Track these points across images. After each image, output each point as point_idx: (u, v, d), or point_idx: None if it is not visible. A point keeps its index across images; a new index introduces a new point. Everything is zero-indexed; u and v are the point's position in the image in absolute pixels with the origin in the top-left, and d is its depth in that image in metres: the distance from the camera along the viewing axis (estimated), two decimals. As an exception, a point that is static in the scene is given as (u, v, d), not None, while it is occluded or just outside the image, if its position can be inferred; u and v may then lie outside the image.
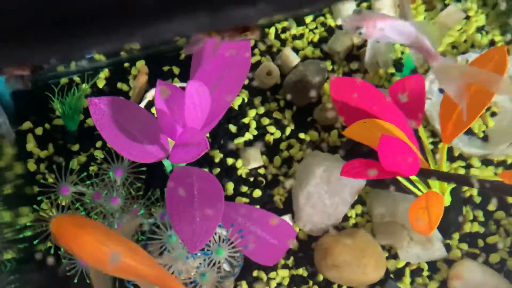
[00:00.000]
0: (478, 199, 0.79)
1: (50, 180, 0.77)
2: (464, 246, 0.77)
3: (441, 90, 0.82)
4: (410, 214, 0.65)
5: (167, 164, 0.71)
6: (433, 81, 0.82)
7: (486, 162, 0.80)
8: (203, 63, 0.67)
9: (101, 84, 0.85)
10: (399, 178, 0.74)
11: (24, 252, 0.72)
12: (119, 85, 0.85)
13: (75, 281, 0.70)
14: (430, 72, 0.83)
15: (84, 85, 0.83)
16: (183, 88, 0.60)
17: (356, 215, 0.78)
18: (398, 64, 0.85)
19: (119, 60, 0.86)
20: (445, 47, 0.86)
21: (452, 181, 0.69)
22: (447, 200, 0.76)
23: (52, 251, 0.74)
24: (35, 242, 0.72)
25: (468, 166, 0.80)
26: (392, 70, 0.85)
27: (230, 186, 0.79)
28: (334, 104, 0.75)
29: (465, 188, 0.79)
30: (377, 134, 0.65)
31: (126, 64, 0.86)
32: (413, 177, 0.72)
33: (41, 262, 0.74)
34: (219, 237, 0.67)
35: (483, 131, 0.81)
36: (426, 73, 0.83)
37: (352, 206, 0.78)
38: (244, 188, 0.79)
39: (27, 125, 0.82)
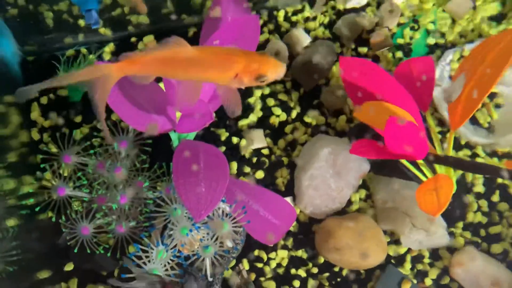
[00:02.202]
0: (482, 189, 0.78)
1: (53, 149, 0.77)
2: (468, 235, 0.76)
3: (451, 77, 0.82)
4: (417, 195, 0.64)
5: (174, 137, 0.70)
6: (444, 67, 0.82)
7: (490, 153, 0.80)
8: (210, 38, 0.66)
9: (107, 57, 0.84)
10: (405, 162, 0.74)
11: (26, 220, 0.71)
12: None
13: (75, 251, 0.70)
14: (442, 59, 0.82)
15: (90, 56, 0.82)
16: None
17: (360, 199, 0.78)
18: (407, 49, 0.85)
19: (126, 35, 0.85)
20: (454, 36, 0.86)
21: (461, 167, 0.69)
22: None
23: (53, 219, 0.73)
24: (36, 209, 0.72)
25: (474, 155, 0.80)
26: (400, 54, 0.84)
27: (234, 165, 0.79)
28: (343, 84, 0.74)
29: (469, 178, 0.79)
30: (386, 117, 0.64)
31: (133, 39, 0.85)
32: (420, 162, 0.72)
33: (42, 230, 0.74)
34: (223, 211, 0.66)
35: (488, 122, 0.81)
36: (438, 59, 0.83)
37: (356, 191, 0.78)
38: (247, 169, 0.79)
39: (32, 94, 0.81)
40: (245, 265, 0.75)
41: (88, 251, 0.70)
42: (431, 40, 0.86)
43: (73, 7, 0.81)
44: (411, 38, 0.86)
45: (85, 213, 0.70)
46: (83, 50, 0.84)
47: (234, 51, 0.57)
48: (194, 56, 0.56)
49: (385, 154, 0.66)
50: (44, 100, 0.81)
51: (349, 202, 0.77)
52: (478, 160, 0.79)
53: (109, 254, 0.71)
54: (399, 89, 0.72)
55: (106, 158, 0.70)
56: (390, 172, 0.77)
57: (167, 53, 0.56)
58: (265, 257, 0.76)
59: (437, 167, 0.72)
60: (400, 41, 0.85)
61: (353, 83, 0.74)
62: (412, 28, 0.86)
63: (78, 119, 0.81)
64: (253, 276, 0.75)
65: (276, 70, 0.57)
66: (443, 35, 0.86)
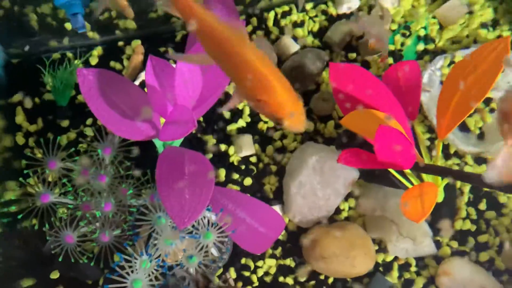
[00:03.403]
0: (470, 197, 0.78)
1: (38, 155, 0.76)
2: (454, 244, 0.76)
3: (442, 82, 0.81)
4: (402, 201, 0.64)
5: (159, 144, 0.70)
6: (433, 72, 0.81)
7: (479, 160, 0.79)
8: (197, 43, 0.66)
9: (93, 61, 0.83)
10: (392, 171, 0.73)
11: (9, 227, 0.70)
12: (112, 63, 0.83)
13: (60, 259, 0.69)
14: (432, 64, 0.81)
15: (76, 61, 0.81)
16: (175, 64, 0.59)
17: (349, 208, 0.77)
18: (398, 56, 0.84)
19: (114, 39, 0.84)
20: (443, 42, 0.85)
21: (448, 176, 0.69)
22: (440, 196, 0.75)
23: (36, 227, 0.72)
24: (19, 217, 0.71)
25: (463, 164, 0.79)
26: (390, 61, 0.84)
27: (222, 172, 0.78)
28: (332, 92, 0.73)
29: (458, 185, 0.78)
30: (374, 125, 0.64)
31: (121, 43, 0.84)
32: (407, 171, 0.71)
33: (25, 238, 0.73)
34: (208, 221, 0.66)
35: (480, 128, 0.81)
36: (427, 64, 0.82)
37: (346, 199, 0.77)
38: (236, 176, 0.78)
39: (17, 97, 0.80)
40: (232, 273, 0.74)
41: (72, 260, 0.69)
42: (421, 46, 0.85)
43: (58, 10, 0.80)
44: (402, 44, 0.85)
45: (69, 220, 0.69)
46: (69, 54, 0.83)
47: (275, 77, 0.51)
48: (240, 53, 0.50)
49: (372, 163, 0.66)
50: (28, 104, 0.80)
51: (338, 210, 0.77)
52: (467, 168, 0.79)
53: (92, 264, 0.71)
54: (388, 95, 0.72)
55: (90, 165, 0.69)
56: (379, 180, 0.77)
57: (227, 33, 0.50)
58: (252, 265, 0.75)
59: (424, 175, 0.72)
60: (391, 47, 0.85)
61: (342, 90, 0.73)
62: (403, 35, 0.86)
63: (64, 123, 0.80)
64: (240, 284, 0.74)
65: (296, 125, 0.52)
66: (433, 40, 0.86)
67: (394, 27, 0.86)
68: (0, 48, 0.80)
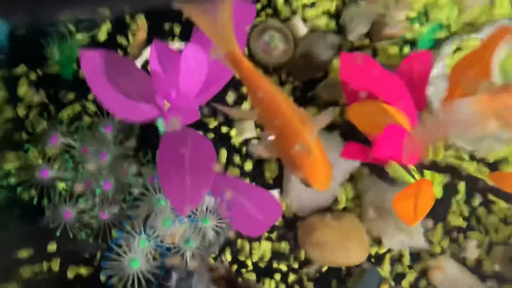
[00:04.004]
0: (464, 195, 0.78)
1: (39, 128, 0.75)
2: (445, 242, 0.77)
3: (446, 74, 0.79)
4: (395, 201, 0.64)
5: (161, 125, 0.69)
6: (441, 62, 0.79)
7: (472, 157, 0.79)
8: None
9: (101, 36, 0.82)
10: (393, 164, 0.73)
11: (8, 199, 0.71)
12: (119, 39, 0.82)
13: (58, 234, 0.70)
14: (439, 53, 0.79)
15: (82, 35, 0.80)
16: (181, 51, 0.58)
17: (347, 199, 0.77)
18: (414, 44, 0.82)
19: (122, 14, 0.83)
20: (460, 26, 0.83)
21: (447, 174, 0.69)
22: (438, 192, 0.75)
23: (35, 201, 0.73)
24: (19, 189, 0.71)
25: (458, 158, 0.79)
26: (407, 50, 0.82)
27: (224, 153, 0.78)
28: (341, 82, 0.72)
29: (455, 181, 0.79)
30: (380, 119, 0.63)
31: (128, 18, 0.83)
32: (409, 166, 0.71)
33: (24, 211, 0.74)
34: (207, 206, 0.66)
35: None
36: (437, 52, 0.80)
37: (344, 189, 0.77)
38: (237, 158, 0.78)
39: (21, 69, 0.79)
40: (228, 256, 0.75)
41: (70, 236, 0.69)
42: (437, 34, 0.83)
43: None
44: (418, 33, 0.83)
45: (68, 196, 0.69)
46: (73, 27, 0.81)
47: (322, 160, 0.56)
48: (300, 137, 0.55)
49: (376, 158, 0.66)
50: (33, 76, 0.79)
51: (336, 200, 0.77)
52: (464, 163, 0.79)
53: (91, 240, 0.71)
54: (399, 88, 0.70)
55: (91, 142, 0.69)
56: (379, 172, 0.77)
57: (291, 115, 0.55)
58: (248, 248, 0.76)
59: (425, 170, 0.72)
60: (408, 35, 0.83)
61: (352, 82, 0.71)
62: (421, 22, 0.83)
63: (67, 97, 0.79)
64: (234, 267, 0.75)
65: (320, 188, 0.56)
66: (449, 28, 0.83)
67: (413, 14, 0.83)
68: (5, 19, 0.79)
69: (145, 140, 0.74)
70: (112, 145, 0.69)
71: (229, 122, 0.79)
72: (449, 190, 0.78)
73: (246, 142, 0.79)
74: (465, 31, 0.82)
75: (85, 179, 0.69)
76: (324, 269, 0.75)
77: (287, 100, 0.56)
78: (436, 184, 0.75)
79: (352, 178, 0.78)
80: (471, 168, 0.78)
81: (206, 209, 0.65)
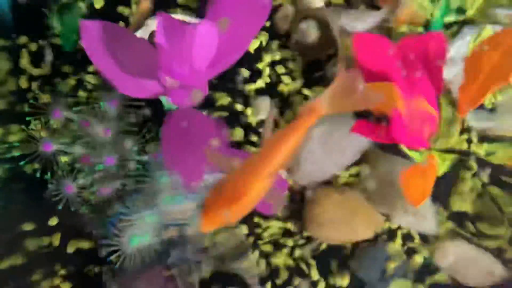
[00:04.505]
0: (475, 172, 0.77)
1: (42, 100, 0.74)
2: (450, 224, 0.76)
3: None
4: (403, 178, 0.63)
5: (166, 101, 0.68)
6: (460, 47, 0.78)
7: (484, 138, 0.78)
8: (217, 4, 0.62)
9: (98, 4, 0.80)
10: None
11: (10, 171, 0.71)
12: (120, 8, 0.80)
13: (60, 207, 0.70)
14: (458, 37, 0.78)
15: (82, 3, 0.78)
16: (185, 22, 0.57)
17: (351, 175, 0.76)
18: (426, 25, 0.80)
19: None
20: (474, 11, 0.80)
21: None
22: (443, 167, 0.75)
23: (38, 174, 0.73)
24: (22, 163, 0.71)
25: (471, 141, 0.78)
26: (420, 29, 0.80)
27: (239, 132, 0.77)
28: (356, 63, 0.70)
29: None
30: (393, 101, 0.62)
31: (132, -13, 0.81)
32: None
33: (27, 184, 0.73)
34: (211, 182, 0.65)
35: (493, 103, 0.78)
36: (455, 37, 0.78)
37: (352, 166, 0.76)
38: (254, 138, 0.77)
39: (23, 40, 0.78)
40: (244, 229, 0.75)
41: (72, 209, 0.70)
42: (451, 17, 0.81)
43: None
44: (431, 14, 0.81)
45: (71, 170, 0.69)
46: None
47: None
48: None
49: (387, 138, 0.65)
50: (33, 47, 0.78)
51: (343, 176, 0.76)
52: (472, 146, 0.77)
53: (91, 215, 0.71)
54: (414, 69, 0.69)
55: (92, 116, 0.68)
56: (390, 149, 0.75)
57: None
58: (263, 224, 0.75)
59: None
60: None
61: (366, 60, 0.70)
62: (432, 1, 0.81)
63: (69, 69, 0.77)
64: (251, 239, 0.75)
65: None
66: (462, 11, 0.81)
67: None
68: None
69: (150, 116, 0.73)
70: (115, 120, 0.68)
71: (245, 99, 0.78)
72: (458, 170, 0.77)
73: (263, 122, 0.78)
74: (483, 20, 0.80)
75: (85, 154, 0.68)
76: (329, 245, 0.75)
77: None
78: (443, 162, 0.74)
79: (363, 158, 0.77)
80: (478, 150, 0.77)
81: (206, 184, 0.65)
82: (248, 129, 0.77)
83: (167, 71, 0.59)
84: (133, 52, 0.60)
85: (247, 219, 0.75)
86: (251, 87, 0.78)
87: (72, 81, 0.77)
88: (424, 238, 0.76)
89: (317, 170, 0.74)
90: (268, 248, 0.75)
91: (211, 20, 0.56)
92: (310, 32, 0.77)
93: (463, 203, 0.77)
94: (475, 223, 0.76)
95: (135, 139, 0.69)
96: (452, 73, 0.76)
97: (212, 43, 0.57)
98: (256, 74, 0.78)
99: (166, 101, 0.69)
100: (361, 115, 0.74)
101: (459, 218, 0.77)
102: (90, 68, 0.77)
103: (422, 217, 0.73)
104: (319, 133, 0.74)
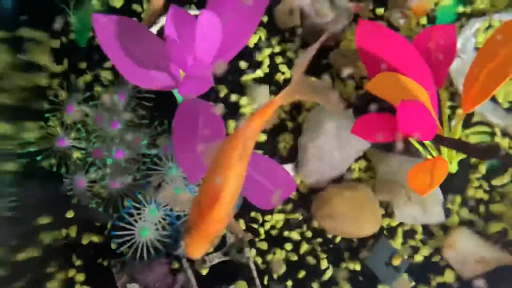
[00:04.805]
0: (485, 170, 0.76)
1: (61, 97, 0.76)
2: (464, 212, 0.75)
3: (476, 49, 0.76)
4: (410, 173, 0.63)
5: (178, 95, 0.69)
6: (468, 38, 0.77)
7: (504, 133, 0.76)
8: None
9: (117, 3, 0.81)
10: (411, 140, 0.71)
11: (28, 167, 0.72)
12: (134, 6, 0.81)
13: (74, 201, 0.71)
14: (467, 27, 0.77)
15: (96, 1, 0.80)
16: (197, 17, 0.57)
17: (359, 169, 0.76)
18: (431, 17, 0.79)
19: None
20: (483, 4, 0.79)
21: (465, 151, 0.66)
22: (453, 167, 0.73)
23: (54, 169, 0.74)
24: (38, 158, 0.73)
25: (485, 133, 0.76)
26: (424, 21, 0.79)
27: (232, 123, 0.77)
28: (358, 51, 0.70)
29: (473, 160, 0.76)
30: (399, 91, 0.61)
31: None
32: (426, 142, 0.69)
33: (44, 178, 0.75)
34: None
35: (509, 102, 0.76)
36: (462, 28, 0.77)
37: (356, 161, 0.76)
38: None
39: (41, 36, 0.80)
40: (241, 225, 0.75)
41: (83, 203, 0.71)
42: (458, 8, 0.80)
43: None
44: (435, 4, 0.80)
45: (82, 165, 0.70)
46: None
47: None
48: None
49: (388, 136, 0.64)
50: (56, 44, 0.80)
51: (349, 171, 0.76)
52: (496, 139, 0.75)
53: (100, 209, 0.72)
54: (417, 60, 0.69)
55: (105, 111, 0.69)
56: (393, 148, 0.74)
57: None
58: (260, 219, 0.76)
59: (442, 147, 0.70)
60: (424, 7, 0.79)
61: (369, 50, 0.70)
62: None
63: (83, 65, 0.79)
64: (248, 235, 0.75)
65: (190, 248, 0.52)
66: (471, 2, 0.80)
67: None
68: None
69: (161, 109, 0.74)
70: (124, 114, 0.69)
71: (241, 89, 0.78)
72: (466, 166, 0.76)
73: None
74: (492, 10, 0.78)
75: (96, 148, 0.69)
76: (337, 240, 0.74)
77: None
78: (453, 160, 0.72)
79: (366, 154, 0.76)
80: (504, 144, 0.75)
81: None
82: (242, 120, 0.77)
83: (175, 61, 0.60)
84: (144, 45, 0.62)
85: (243, 214, 0.75)
86: (249, 77, 0.78)
87: (87, 77, 0.78)
88: (428, 231, 0.75)
89: (325, 167, 0.74)
90: (263, 246, 0.75)
91: (212, 10, 0.56)
92: (324, 10, 0.77)
93: (477, 191, 0.75)
94: (488, 205, 0.74)
95: (146, 133, 0.70)
96: (456, 65, 0.75)
97: (216, 33, 0.57)
98: (255, 65, 0.79)
99: (178, 94, 0.69)
100: (364, 111, 0.74)
101: (472, 204, 0.75)
102: (104, 64, 0.79)
103: (428, 205, 0.72)
104: (328, 132, 0.73)
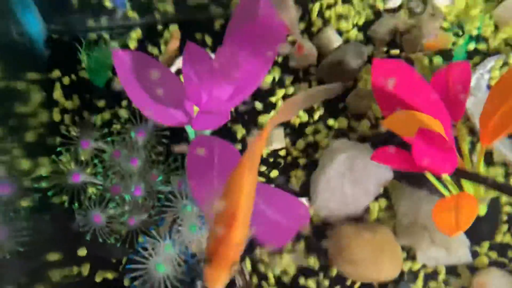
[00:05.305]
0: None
1: (73, 133, 0.77)
2: (493, 255, 0.73)
3: (488, 87, 0.77)
4: (434, 211, 0.61)
5: (190, 131, 0.69)
6: (481, 76, 0.78)
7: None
8: (235, 34, 0.64)
9: (132, 44, 0.83)
10: (429, 176, 0.71)
11: (39, 201, 0.72)
12: (150, 48, 0.83)
13: (88, 238, 0.70)
14: (482, 65, 0.78)
15: (113, 42, 0.81)
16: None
17: (380, 209, 0.75)
18: (447, 55, 0.81)
19: (152, 22, 0.84)
20: (497, 43, 0.81)
21: (492, 187, 0.65)
22: (482, 209, 0.72)
23: (66, 204, 0.74)
24: (50, 193, 0.72)
25: (507, 175, 0.75)
26: (439, 60, 0.80)
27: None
28: (372, 89, 0.71)
29: (504, 200, 0.74)
30: (415, 127, 0.61)
31: (159, 27, 0.84)
32: (445, 177, 0.68)
33: (55, 214, 0.74)
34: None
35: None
36: (475, 66, 0.78)
37: (376, 199, 0.75)
38: (263, 168, 0.77)
39: (56, 73, 0.81)
40: (248, 265, 0.73)
41: (100, 240, 0.70)
42: (472, 46, 0.81)
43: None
44: (453, 43, 0.81)
45: (99, 201, 0.70)
46: (106, 35, 0.83)
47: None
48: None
49: (409, 165, 0.63)
50: (66, 81, 0.81)
51: (368, 210, 0.74)
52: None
53: (119, 245, 0.71)
54: (433, 96, 0.68)
55: (122, 147, 0.69)
56: (414, 183, 0.74)
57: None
58: (268, 259, 0.73)
59: (464, 184, 0.68)
60: (440, 45, 0.81)
61: (383, 87, 0.70)
62: (455, 34, 0.82)
63: (100, 104, 0.80)
64: (254, 279, 0.73)
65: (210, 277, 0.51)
66: (486, 41, 0.81)
67: (446, 25, 0.82)
68: (43, 23, 0.81)
69: (175, 145, 0.74)
70: (143, 150, 0.69)
71: (258, 130, 0.78)
72: (495, 208, 0.74)
73: (275, 152, 0.78)
74: (506, 49, 0.81)
75: (114, 184, 0.69)
76: (357, 286, 0.72)
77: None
78: (479, 199, 0.71)
79: (386, 192, 0.75)
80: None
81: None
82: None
83: (191, 97, 0.60)
84: (162, 82, 0.62)
85: (250, 251, 0.72)
86: (265, 118, 0.79)
87: (102, 115, 0.79)
88: (453, 272, 0.72)
89: (338, 201, 0.73)
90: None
91: (228, 48, 0.57)
92: (352, 60, 0.78)
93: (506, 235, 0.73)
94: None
95: (161, 169, 0.70)
96: (471, 102, 0.75)
97: (232, 70, 0.58)
98: (270, 106, 0.79)
99: (191, 131, 0.69)
100: (381, 143, 0.74)
101: (501, 248, 0.73)
102: (122, 103, 0.79)
103: (453, 247, 0.70)
104: (340, 162, 0.73)
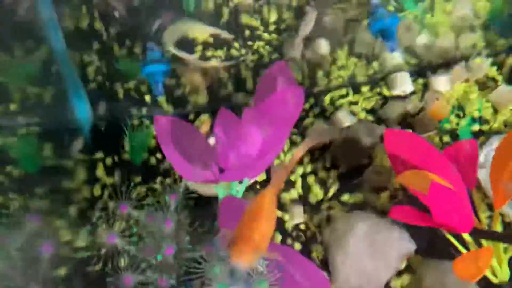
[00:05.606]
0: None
1: (111, 206, 0.83)
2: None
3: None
4: (455, 263, 0.62)
5: (220, 192, 0.74)
6: (489, 153, 0.83)
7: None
8: (257, 103, 0.73)
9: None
10: (449, 237, 0.72)
11: (74, 271, 0.75)
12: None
13: (119, 301, 0.72)
14: (488, 144, 0.84)
15: (152, 127, 0.91)
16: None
17: (402, 285, 0.74)
18: (453, 135, 0.87)
19: (185, 112, 0.95)
20: (498, 124, 0.88)
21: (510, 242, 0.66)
22: (505, 273, 0.72)
23: (100, 271, 0.76)
24: (87, 264, 0.76)
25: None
26: (447, 138, 0.87)
27: (278, 236, 0.81)
28: (388, 157, 0.75)
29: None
30: (427, 183, 0.64)
31: (191, 116, 0.94)
32: (467, 239, 0.70)
33: (88, 283, 0.77)
34: (261, 270, 0.67)
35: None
36: (483, 145, 0.84)
37: (399, 275, 0.75)
38: (289, 241, 0.80)
39: (99, 155, 0.90)
40: None
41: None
42: (476, 127, 0.88)
43: (141, 85, 0.92)
44: (457, 124, 0.89)
45: (130, 264, 0.72)
46: (146, 122, 0.94)
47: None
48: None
49: (427, 221, 0.66)
50: (108, 161, 0.89)
51: (389, 286, 0.74)
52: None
53: (149, 306, 0.72)
54: (445, 164, 0.72)
55: (156, 211, 0.74)
56: (438, 254, 0.74)
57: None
58: None
59: (485, 244, 0.70)
60: (447, 126, 0.89)
61: (398, 155, 0.74)
62: (457, 116, 0.90)
63: (137, 179, 0.87)
64: None
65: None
66: (487, 122, 0.89)
67: (449, 108, 0.90)
68: (91, 113, 0.92)
69: (203, 210, 0.80)
70: (174, 214, 0.73)
71: (282, 206, 0.83)
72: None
73: (297, 226, 0.82)
74: (507, 130, 0.89)
75: (147, 245, 0.72)
76: None
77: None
78: (502, 264, 0.71)
79: (409, 267, 0.76)
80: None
81: (260, 273, 0.66)
82: (286, 233, 0.81)
83: (220, 157, 0.67)
84: (195, 145, 0.70)
85: None
86: (287, 196, 0.84)
87: (138, 189, 0.86)
88: None
89: (359, 276, 0.73)
90: None
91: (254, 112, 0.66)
92: (364, 137, 0.84)
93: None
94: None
95: (189, 231, 0.74)
96: (483, 174, 0.80)
97: (257, 137, 0.66)
98: (289, 185, 0.85)
99: (220, 191, 0.75)
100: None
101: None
102: (156, 179, 0.87)
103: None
104: (358, 236, 0.74)
